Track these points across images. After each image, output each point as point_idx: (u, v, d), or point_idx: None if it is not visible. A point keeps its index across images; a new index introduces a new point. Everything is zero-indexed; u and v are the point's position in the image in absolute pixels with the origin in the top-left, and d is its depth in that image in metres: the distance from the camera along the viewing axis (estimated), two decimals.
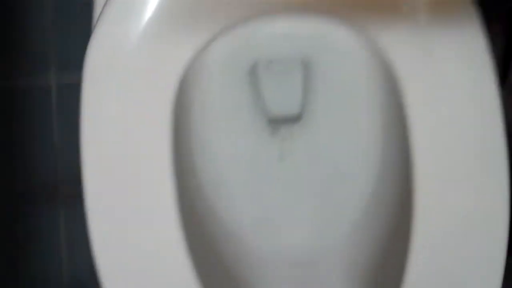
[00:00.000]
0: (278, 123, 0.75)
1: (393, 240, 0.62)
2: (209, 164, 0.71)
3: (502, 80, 0.60)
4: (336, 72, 0.71)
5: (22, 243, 1.00)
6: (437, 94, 0.57)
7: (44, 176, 1.00)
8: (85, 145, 0.58)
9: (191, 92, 0.68)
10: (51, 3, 0.96)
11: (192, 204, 0.67)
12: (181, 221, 0.58)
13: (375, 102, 0.68)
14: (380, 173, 0.68)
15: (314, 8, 0.60)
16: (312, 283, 0.70)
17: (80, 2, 0.92)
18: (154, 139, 0.58)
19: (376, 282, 0.64)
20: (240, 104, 0.73)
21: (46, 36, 0.97)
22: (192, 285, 0.58)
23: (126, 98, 0.58)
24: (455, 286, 0.58)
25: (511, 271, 0.58)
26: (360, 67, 0.68)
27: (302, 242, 0.71)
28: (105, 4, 0.58)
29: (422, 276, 0.57)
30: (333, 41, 0.67)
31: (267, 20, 0.64)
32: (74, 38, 0.94)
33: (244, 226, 0.71)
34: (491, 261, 0.57)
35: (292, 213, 0.72)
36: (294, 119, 0.75)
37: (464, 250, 0.57)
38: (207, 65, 0.69)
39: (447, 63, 0.57)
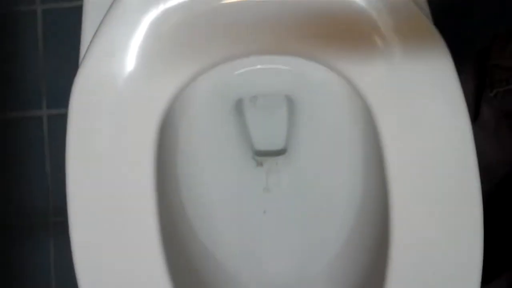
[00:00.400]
0: (263, 156, 0.77)
1: (372, 271, 0.63)
2: (195, 195, 0.71)
3: (474, 118, 0.62)
4: (318, 106, 0.73)
5: (14, 268, 1.01)
6: (411, 129, 0.58)
7: (36, 204, 1.01)
8: (70, 179, 0.59)
9: (175, 127, 0.69)
10: (43, 47, 0.98)
11: (177, 234, 0.67)
12: (165, 250, 0.59)
13: (356, 135, 0.69)
14: (361, 205, 0.69)
15: (286, 50, 0.61)
16: None
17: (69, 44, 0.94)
18: (138, 174, 0.59)
19: None
20: (226, 138, 0.75)
21: (38, 73, 0.99)
22: None
23: (109, 135, 0.59)
24: None
25: None
26: (339, 102, 0.69)
27: (284, 273, 0.72)
28: (90, 43, 0.59)
29: None
30: (311, 78, 0.69)
31: (245, 61, 0.66)
32: (63, 75, 0.96)
33: (228, 256, 0.72)
34: None
35: (276, 244, 0.73)
36: (279, 152, 0.77)
37: (438, 283, 0.58)
38: (192, 101, 0.70)
39: (420, 98, 0.58)
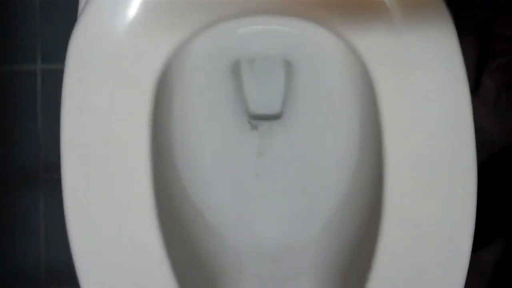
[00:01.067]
0: (258, 119, 0.76)
1: (362, 240, 0.63)
2: (188, 157, 0.71)
3: (474, 90, 0.62)
4: (316, 71, 0.72)
5: (2, 224, 1.01)
6: (410, 97, 0.58)
7: (26, 160, 1.00)
8: (65, 133, 0.58)
9: (172, 86, 0.69)
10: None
11: (170, 195, 0.67)
12: (158, 212, 0.59)
13: (353, 102, 0.69)
14: (355, 171, 0.69)
15: (290, 11, 0.60)
16: (284, 277, 0.71)
17: None
18: (133, 131, 0.59)
19: (344, 279, 0.66)
20: (222, 100, 0.74)
21: (33, 26, 0.98)
22: (168, 278, 0.59)
23: (106, 89, 0.59)
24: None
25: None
26: (338, 68, 0.69)
27: (276, 237, 0.72)
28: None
29: (387, 277, 0.59)
30: (312, 42, 0.68)
31: (248, 19, 0.65)
32: (60, 28, 0.95)
33: (220, 219, 0.72)
34: (455, 265, 0.58)
35: (268, 208, 0.73)
36: (274, 117, 0.77)
37: (429, 255, 0.58)
38: (189, 60, 0.69)
39: (420, 67, 0.58)
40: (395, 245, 0.58)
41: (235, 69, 0.75)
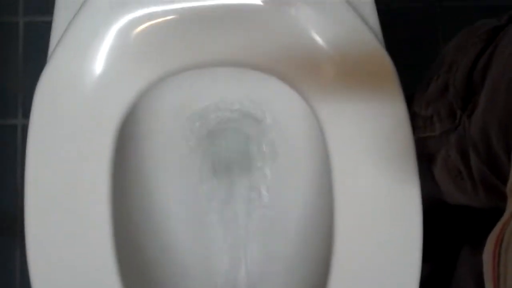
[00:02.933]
0: (226, 170, 0.79)
1: (318, 278, 0.66)
2: (151, 203, 0.75)
3: None
4: (280, 127, 0.77)
5: None
6: (357, 144, 0.62)
7: (5, 208, 1.02)
8: (28, 183, 0.61)
9: (138, 133, 0.72)
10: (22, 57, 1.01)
11: (130, 240, 0.70)
12: (117, 257, 0.61)
13: (313, 154, 0.73)
14: (311, 218, 0.73)
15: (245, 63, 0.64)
16: None
17: None
18: (93, 177, 0.61)
19: None
20: (190, 148, 0.77)
21: (16, 82, 1.02)
22: None
23: (70, 136, 0.61)
24: None
25: None
26: (300, 121, 0.73)
27: (239, 279, 0.75)
28: (58, 43, 0.61)
29: None
30: (278, 97, 0.73)
31: (212, 72, 0.68)
32: None
33: (182, 263, 0.75)
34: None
35: (230, 254, 0.76)
36: (242, 167, 0.79)
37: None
38: (157, 111, 0.73)
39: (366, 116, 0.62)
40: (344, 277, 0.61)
41: (203, 121, 0.78)
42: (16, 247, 1.01)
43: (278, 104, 0.76)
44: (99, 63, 0.61)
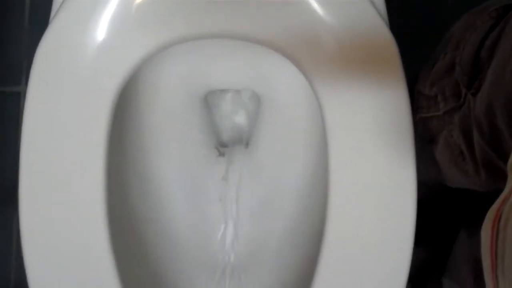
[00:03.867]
0: (226, 147, 0.79)
1: (310, 257, 0.65)
2: (149, 175, 0.74)
3: None
4: (280, 103, 0.77)
5: None
6: (355, 128, 0.62)
7: (6, 175, 1.02)
8: (23, 152, 0.60)
9: (140, 109, 0.72)
10: (28, 23, 1.00)
11: (128, 215, 0.71)
12: (112, 234, 0.60)
13: (312, 134, 0.74)
14: (307, 198, 0.73)
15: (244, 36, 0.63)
16: None
17: None
18: (90, 144, 0.61)
19: None
20: (191, 125, 0.78)
21: (21, 48, 1.01)
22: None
23: (68, 100, 0.61)
24: None
25: None
26: (299, 100, 0.74)
27: (234, 256, 0.75)
28: (59, 8, 0.61)
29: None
30: (275, 76, 0.74)
31: (218, 51, 0.68)
32: None
33: (179, 242, 0.75)
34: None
35: (227, 230, 0.76)
36: (241, 144, 0.79)
37: (368, 259, 0.62)
38: (159, 86, 0.73)
39: (368, 119, 0.62)
40: (331, 272, 0.61)
41: (206, 98, 0.78)
42: (15, 215, 1.01)
43: (280, 80, 0.75)
44: (100, 30, 0.61)
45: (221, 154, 0.78)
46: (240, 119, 0.79)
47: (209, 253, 0.75)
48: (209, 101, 0.78)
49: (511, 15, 0.51)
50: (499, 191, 0.42)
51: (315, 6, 0.62)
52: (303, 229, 0.72)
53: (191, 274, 0.74)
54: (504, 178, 0.42)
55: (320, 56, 0.62)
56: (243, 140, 0.79)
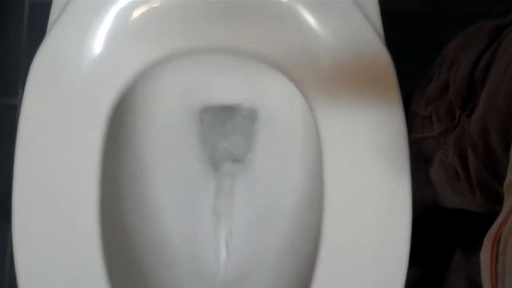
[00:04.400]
0: (221, 160, 0.79)
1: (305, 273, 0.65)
2: (144, 192, 0.75)
3: None
4: (277, 119, 0.77)
5: None
6: (350, 145, 0.62)
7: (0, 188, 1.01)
8: (18, 157, 0.61)
9: (137, 121, 0.72)
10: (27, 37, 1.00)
11: (120, 226, 0.70)
12: (105, 246, 0.60)
13: (308, 149, 0.74)
14: (303, 210, 0.73)
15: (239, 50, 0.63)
16: None
17: None
18: (85, 157, 0.61)
19: None
20: (186, 138, 0.78)
21: (18, 61, 1.01)
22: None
23: (63, 114, 0.61)
24: None
25: None
26: (295, 117, 0.74)
27: (228, 271, 0.75)
28: (57, 20, 0.61)
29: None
30: (277, 92, 0.73)
31: (215, 67, 0.67)
32: None
33: (172, 252, 0.74)
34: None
35: (220, 244, 0.75)
36: (237, 158, 0.79)
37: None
38: (156, 100, 0.73)
39: (364, 135, 0.62)
40: (329, 279, 0.61)
41: (201, 113, 0.78)
42: (8, 230, 1.00)
43: (275, 96, 0.76)
44: (97, 42, 0.61)
45: (216, 168, 0.78)
46: (236, 134, 0.79)
47: (202, 266, 0.75)
48: (204, 116, 0.78)
49: (503, 36, 0.52)
50: (495, 211, 0.42)
51: (312, 24, 0.62)
52: (297, 244, 0.71)
53: (183, 286, 0.73)
54: (499, 199, 0.42)
55: (316, 74, 0.62)
56: (239, 155, 0.79)
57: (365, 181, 0.61)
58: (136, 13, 0.62)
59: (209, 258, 0.75)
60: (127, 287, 0.66)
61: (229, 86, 0.77)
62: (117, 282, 0.61)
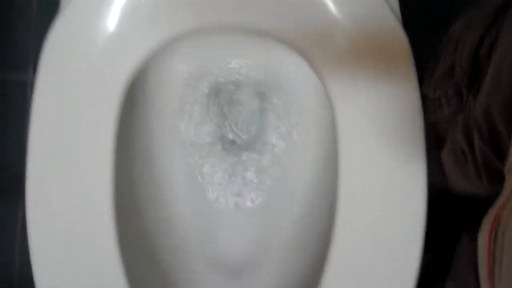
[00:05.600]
0: (233, 144, 0.78)
1: (317, 257, 0.65)
2: (156, 166, 0.74)
3: None
4: (291, 102, 0.76)
5: None
6: (364, 121, 0.61)
7: (11, 165, 1.01)
8: (32, 136, 0.60)
9: (148, 95, 0.71)
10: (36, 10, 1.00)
11: (133, 202, 0.70)
12: (117, 218, 0.60)
13: (320, 130, 0.73)
14: (316, 194, 0.72)
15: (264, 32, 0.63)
16: None
17: None
18: (99, 134, 0.60)
19: None
20: (199, 120, 0.77)
21: (29, 36, 1.01)
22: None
23: (78, 92, 0.60)
24: None
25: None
26: (310, 94, 0.73)
27: (239, 253, 0.75)
28: None
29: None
30: (287, 71, 0.72)
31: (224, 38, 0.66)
32: None
33: (184, 230, 0.74)
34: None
35: (233, 228, 0.76)
36: (249, 142, 0.79)
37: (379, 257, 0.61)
38: (166, 74, 0.72)
39: (379, 116, 0.61)
40: (342, 265, 0.60)
41: (213, 95, 0.77)
42: (19, 207, 1.01)
43: (289, 75, 0.75)
44: (110, 20, 0.60)
45: (228, 150, 0.78)
46: (249, 117, 0.78)
47: (213, 252, 0.74)
48: (217, 96, 0.78)
49: (508, 13, 0.51)
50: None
51: (329, 4, 0.61)
52: (310, 230, 0.71)
53: (194, 272, 0.73)
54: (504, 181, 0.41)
55: (332, 54, 0.61)
56: (251, 136, 0.79)
57: (380, 164, 0.60)
58: None
59: (220, 243, 0.75)
60: (138, 267, 0.66)
61: (243, 66, 0.76)
62: (130, 261, 0.61)
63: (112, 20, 0.60)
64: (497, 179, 0.50)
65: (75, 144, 0.60)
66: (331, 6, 0.61)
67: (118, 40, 0.60)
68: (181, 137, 0.76)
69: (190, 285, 0.72)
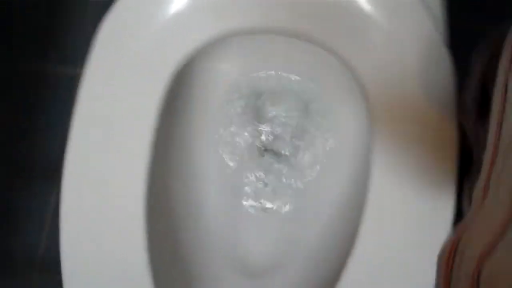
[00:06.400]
0: (268, 150, 0.79)
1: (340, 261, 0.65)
2: (191, 164, 0.76)
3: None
4: (328, 115, 0.77)
5: (13, 212, 1.02)
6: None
7: (55, 156, 1.02)
8: (75, 122, 0.62)
9: (191, 93, 0.73)
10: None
11: (165, 197, 0.71)
12: (147, 213, 0.62)
13: (358, 149, 0.73)
14: (342, 209, 0.72)
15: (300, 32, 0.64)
16: None
17: None
18: (138, 129, 0.62)
19: None
20: (238, 124, 0.79)
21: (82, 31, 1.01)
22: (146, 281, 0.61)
23: (125, 81, 0.62)
24: None
25: None
26: (349, 113, 0.74)
27: (263, 255, 0.75)
28: None
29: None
30: (330, 85, 0.74)
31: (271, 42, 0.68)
32: None
33: (212, 229, 0.75)
34: None
35: (260, 229, 0.77)
36: (284, 151, 0.79)
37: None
38: (214, 77, 0.74)
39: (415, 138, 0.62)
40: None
41: (255, 98, 0.79)
42: (52, 192, 1.03)
43: (332, 90, 0.76)
44: (164, 11, 0.62)
45: (263, 154, 0.79)
46: (287, 125, 0.79)
47: (236, 251, 0.75)
48: (260, 102, 0.79)
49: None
50: None
51: (371, 13, 0.63)
52: (331, 244, 0.71)
53: (215, 269, 0.73)
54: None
55: (373, 65, 0.62)
56: (288, 148, 0.79)
57: (411, 187, 0.60)
58: None
59: (242, 240, 0.75)
60: (162, 259, 0.66)
61: (289, 75, 0.77)
62: (155, 252, 0.62)
63: (165, 11, 0.62)
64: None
65: (114, 134, 0.62)
66: (376, 18, 0.63)
67: (171, 30, 0.62)
68: (218, 135, 0.77)
69: (210, 281, 0.73)
